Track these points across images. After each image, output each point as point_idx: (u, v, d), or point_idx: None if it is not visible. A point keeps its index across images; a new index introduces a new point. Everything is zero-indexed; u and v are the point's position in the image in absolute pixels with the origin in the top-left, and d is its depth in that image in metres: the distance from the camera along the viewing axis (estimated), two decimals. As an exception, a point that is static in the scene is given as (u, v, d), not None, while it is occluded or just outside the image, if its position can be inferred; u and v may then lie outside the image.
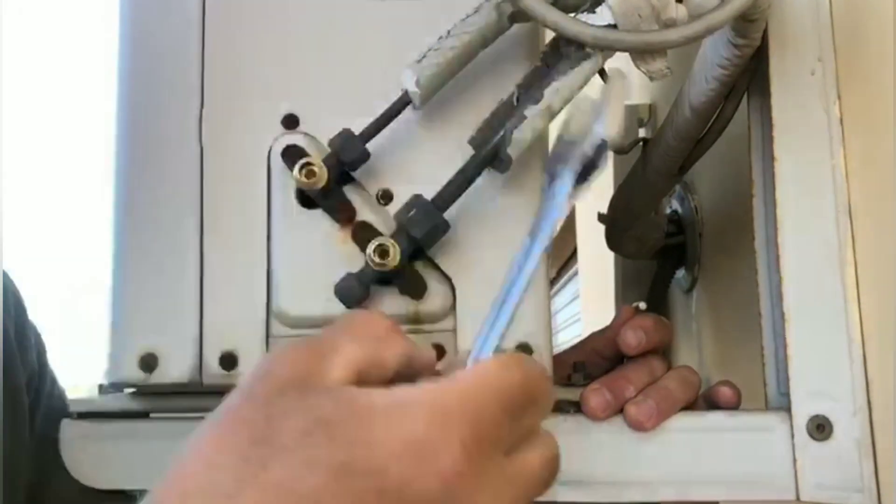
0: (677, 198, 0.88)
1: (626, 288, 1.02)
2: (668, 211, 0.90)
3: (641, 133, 0.99)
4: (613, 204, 0.76)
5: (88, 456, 0.49)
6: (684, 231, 0.86)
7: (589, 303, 1.93)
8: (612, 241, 0.81)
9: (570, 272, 2.70)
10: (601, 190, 0.80)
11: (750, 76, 0.58)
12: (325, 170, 0.44)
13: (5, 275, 0.53)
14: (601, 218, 0.82)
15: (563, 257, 2.63)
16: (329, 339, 0.31)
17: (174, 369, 0.45)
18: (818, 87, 0.55)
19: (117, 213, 0.46)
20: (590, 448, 0.51)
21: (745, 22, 0.52)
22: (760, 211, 0.56)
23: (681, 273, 0.90)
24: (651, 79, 0.45)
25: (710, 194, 0.84)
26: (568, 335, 2.79)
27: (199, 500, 0.27)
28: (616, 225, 0.77)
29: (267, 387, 0.29)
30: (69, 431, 0.50)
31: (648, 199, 0.71)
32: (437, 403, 0.28)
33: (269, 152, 0.47)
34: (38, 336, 0.57)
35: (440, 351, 0.46)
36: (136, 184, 0.47)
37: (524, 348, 0.47)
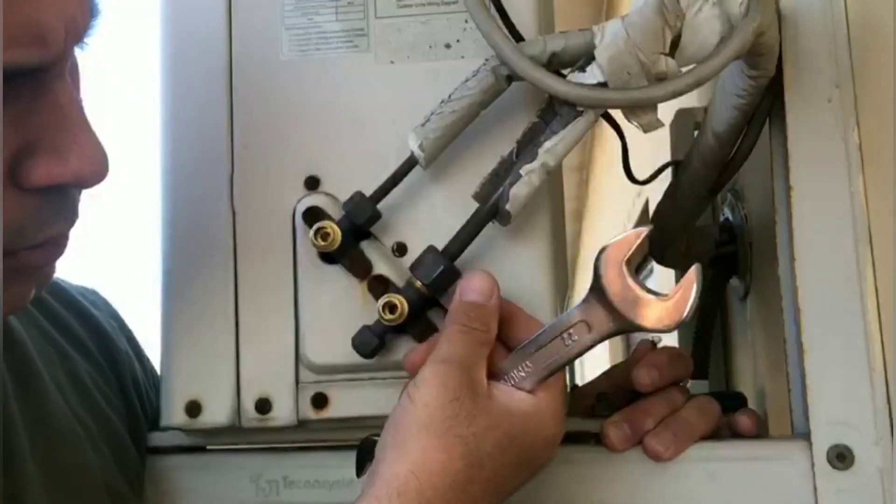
0: (728, 206, 0.88)
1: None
2: (721, 219, 0.89)
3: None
4: (653, 222, 0.77)
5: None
6: (736, 240, 0.85)
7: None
8: (656, 256, 0.82)
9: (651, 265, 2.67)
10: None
11: (770, 102, 0.58)
12: (338, 232, 0.47)
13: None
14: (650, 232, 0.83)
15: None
16: (459, 358, 0.44)
17: (215, 414, 0.50)
18: (835, 114, 0.54)
19: (163, 279, 0.52)
20: (610, 478, 0.53)
21: (754, 56, 0.53)
22: (782, 239, 0.56)
23: (735, 281, 0.89)
24: (644, 131, 0.46)
25: (758, 203, 0.83)
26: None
27: (445, 490, 0.42)
28: (656, 244, 0.78)
29: (462, 409, 0.43)
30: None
31: (682, 219, 0.72)
32: (556, 411, 0.46)
33: (294, 213, 0.51)
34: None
35: None
36: (177, 253, 0.52)
37: None
